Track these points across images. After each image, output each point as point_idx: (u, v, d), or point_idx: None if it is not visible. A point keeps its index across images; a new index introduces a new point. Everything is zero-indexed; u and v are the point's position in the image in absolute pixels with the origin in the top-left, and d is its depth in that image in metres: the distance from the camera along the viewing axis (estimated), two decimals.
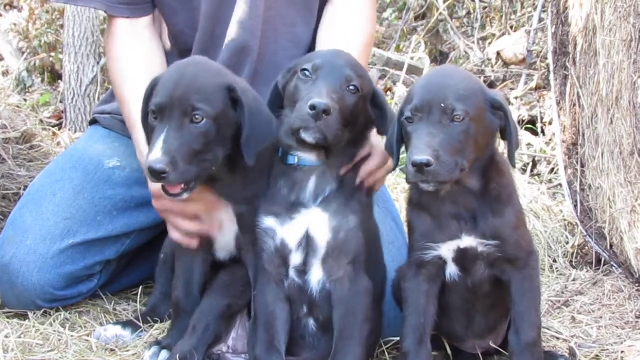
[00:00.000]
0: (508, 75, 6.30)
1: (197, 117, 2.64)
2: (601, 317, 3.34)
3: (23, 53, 6.67)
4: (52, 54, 6.66)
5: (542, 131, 5.50)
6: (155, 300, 3.27)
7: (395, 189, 4.51)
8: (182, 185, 2.68)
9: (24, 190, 3.59)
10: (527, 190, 4.46)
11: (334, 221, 2.71)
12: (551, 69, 4.02)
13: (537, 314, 2.71)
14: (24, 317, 3.18)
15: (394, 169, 2.84)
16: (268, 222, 2.75)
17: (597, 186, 3.77)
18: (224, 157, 2.73)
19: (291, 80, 2.75)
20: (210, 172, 2.73)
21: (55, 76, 6.69)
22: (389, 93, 6.19)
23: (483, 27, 6.95)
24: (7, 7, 7.62)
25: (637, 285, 3.56)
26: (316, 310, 2.79)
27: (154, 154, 2.58)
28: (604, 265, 3.78)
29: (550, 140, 5.30)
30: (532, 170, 5.16)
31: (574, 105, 3.89)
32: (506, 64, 6.32)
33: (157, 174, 2.58)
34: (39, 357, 2.88)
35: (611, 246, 3.73)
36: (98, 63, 5.79)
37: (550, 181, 4.98)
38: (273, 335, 2.75)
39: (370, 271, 2.78)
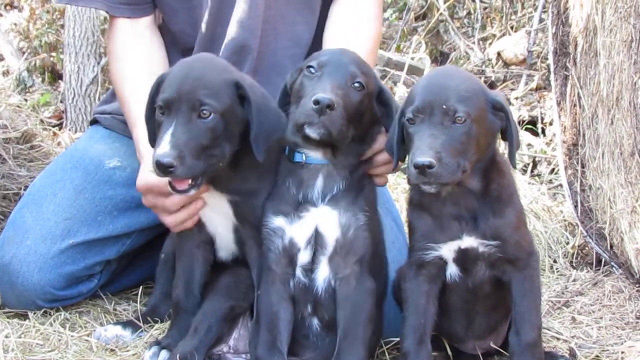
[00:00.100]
0: (508, 76, 6.30)
1: (204, 112, 2.64)
2: (601, 318, 3.34)
3: (23, 53, 6.67)
4: (53, 53, 6.66)
5: (543, 131, 5.50)
6: (156, 300, 3.27)
7: (396, 189, 4.51)
8: (190, 181, 2.68)
9: (25, 190, 3.59)
10: (527, 191, 4.46)
11: (343, 218, 2.73)
12: (551, 69, 4.02)
13: (538, 315, 2.71)
14: (24, 317, 3.18)
15: (394, 170, 2.84)
16: (277, 221, 2.76)
17: (597, 187, 3.77)
18: (231, 154, 2.73)
19: (298, 77, 2.76)
20: (217, 168, 2.72)
21: (56, 76, 6.69)
22: None
23: (483, 27, 6.95)
24: (8, 7, 7.62)
25: (637, 285, 3.56)
26: (320, 309, 2.79)
27: (162, 148, 2.58)
28: (604, 266, 3.78)
29: (551, 140, 5.30)
30: (532, 171, 5.16)
31: (575, 105, 3.89)
32: (506, 65, 6.31)
33: (164, 168, 2.58)
34: (39, 357, 2.88)
35: (611, 247, 3.73)
36: (98, 63, 5.79)
37: (550, 181, 4.98)
38: (275, 336, 2.75)
39: (373, 271, 2.78)
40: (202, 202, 2.90)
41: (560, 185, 4.45)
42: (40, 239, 3.19)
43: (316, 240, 2.74)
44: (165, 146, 2.58)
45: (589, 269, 3.85)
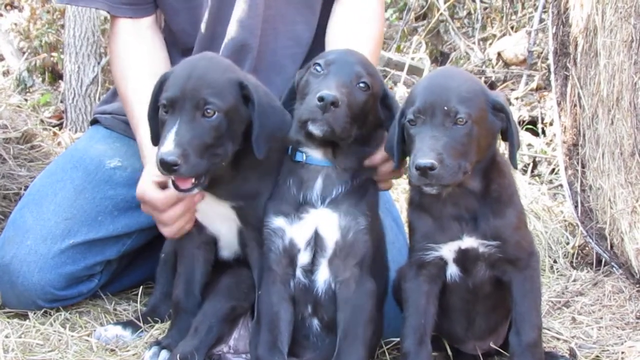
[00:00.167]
0: (509, 76, 6.29)
1: (208, 110, 2.64)
2: (601, 318, 3.34)
3: (24, 53, 6.67)
4: (54, 53, 6.66)
5: (543, 132, 5.50)
6: (156, 301, 3.27)
7: (396, 189, 4.51)
8: (193, 180, 2.68)
9: (25, 190, 3.59)
10: (527, 191, 4.46)
11: (343, 221, 2.72)
12: (552, 69, 4.02)
13: (538, 315, 2.71)
14: (24, 317, 3.18)
15: (394, 170, 2.84)
16: (277, 222, 2.76)
17: (597, 187, 3.77)
18: (233, 154, 2.73)
19: (304, 75, 2.77)
20: (220, 167, 2.72)
21: (56, 76, 6.69)
22: None
23: (484, 27, 6.95)
24: (8, 7, 7.62)
25: (637, 286, 3.56)
26: (320, 310, 2.79)
27: (166, 146, 2.58)
28: (604, 266, 3.78)
29: (551, 140, 5.30)
30: (532, 171, 5.16)
31: (575, 105, 3.89)
32: (507, 65, 6.31)
33: (168, 166, 2.58)
34: (39, 357, 2.88)
35: (612, 247, 3.73)
36: (99, 63, 5.79)
37: (550, 182, 4.98)
38: (276, 336, 2.75)
39: (374, 272, 2.78)
40: (198, 197, 2.90)
41: (561, 185, 4.45)
42: (41, 239, 3.19)
43: (316, 242, 2.73)
44: (169, 144, 2.58)
45: (589, 269, 3.85)
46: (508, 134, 2.65)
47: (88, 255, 3.26)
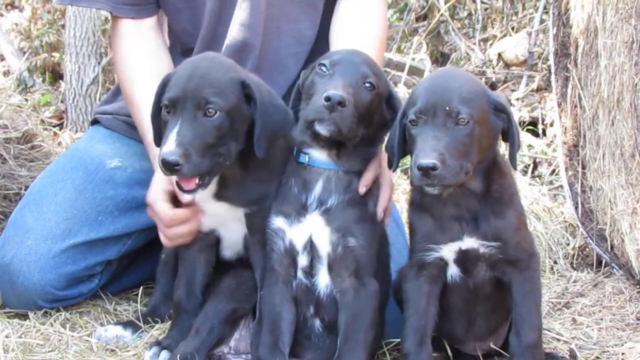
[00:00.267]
0: (509, 77, 6.29)
1: (210, 110, 2.65)
2: (602, 319, 3.34)
3: (24, 53, 6.67)
4: (55, 54, 6.66)
5: (543, 132, 5.50)
6: (156, 301, 3.27)
7: (396, 190, 4.51)
8: (197, 181, 2.68)
9: (25, 190, 3.59)
10: (527, 192, 4.46)
11: (334, 236, 2.71)
12: (552, 70, 4.02)
13: (538, 316, 2.71)
14: (25, 317, 3.18)
15: (394, 171, 2.84)
16: (278, 222, 2.76)
17: (598, 188, 3.77)
18: (237, 153, 2.73)
19: (309, 76, 2.77)
20: (224, 166, 2.73)
21: (56, 76, 6.69)
22: None
23: (484, 28, 6.94)
24: (9, 7, 7.62)
25: (637, 287, 3.56)
26: (322, 310, 2.79)
27: (168, 146, 2.58)
28: (604, 267, 3.78)
29: (551, 141, 5.30)
30: (532, 172, 5.16)
31: (575, 106, 3.89)
32: (507, 65, 6.31)
33: (170, 166, 2.58)
34: (39, 357, 2.88)
35: (612, 248, 3.73)
36: (99, 63, 5.79)
37: (551, 182, 4.98)
38: (278, 336, 2.75)
39: (375, 275, 2.77)
40: (200, 220, 2.94)
41: (561, 186, 4.45)
42: (41, 239, 3.19)
43: (311, 247, 2.73)
44: (171, 144, 2.58)
45: (589, 270, 3.85)
46: (509, 135, 2.65)
47: (88, 256, 3.26)
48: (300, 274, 2.77)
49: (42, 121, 4.65)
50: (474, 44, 6.73)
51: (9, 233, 3.25)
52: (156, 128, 2.80)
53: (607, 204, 3.69)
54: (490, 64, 6.40)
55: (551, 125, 5.37)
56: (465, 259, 2.68)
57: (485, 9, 7.07)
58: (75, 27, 5.72)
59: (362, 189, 2.76)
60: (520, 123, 5.45)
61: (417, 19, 7.33)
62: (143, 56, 3.25)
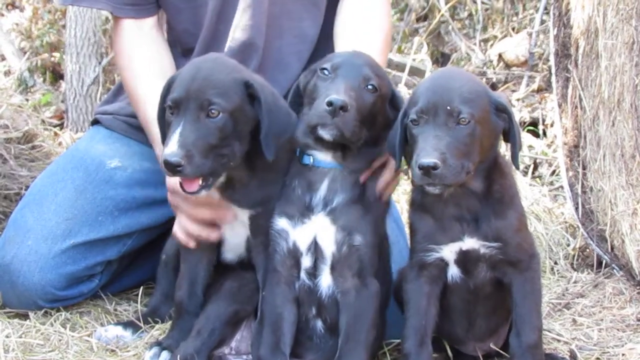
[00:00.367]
0: (510, 77, 6.29)
1: (213, 111, 2.64)
2: (602, 320, 3.34)
3: (25, 53, 6.67)
4: (55, 54, 6.66)
5: (544, 133, 5.50)
6: (156, 301, 3.27)
7: (396, 190, 4.51)
8: (200, 182, 2.68)
9: (26, 190, 3.59)
10: (528, 192, 4.46)
11: (339, 235, 2.72)
12: (553, 71, 4.02)
13: (538, 316, 2.71)
14: (25, 317, 3.18)
15: (395, 170, 2.84)
16: (281, 223, 2.76)
17: (598, 188, 3.77)
18: (241, 154, 2.73)
19: (311, 79, 2.77)
20: (228, 168, 2.72)
21: (57, 76, 6.69)
22: None
23: (485, 28, 6.94)
24: (10, 7, 7.62)
25: (638, 287, 3.56)
26: (324, 311, 2.79)
27: (170, 147, 2.58)
28: (604, 268, 3.78)
29: (552, 142, 5.30)
30: (533, 172, 5.16)
31: (576, 107, 3.89)
32: (508, 66, 6.31)
33: (172, 167, 2.58)
34: (39, 357, 2.88)
35: (612, 248, 3.73)
36: (100, 63, 5.79)
37: (551, 183, 4.98)
38: (279, 337, 2.74)
39: (377, 276, 2.77)
40: (219, 233, 2.92)
41: (561, 187, 4.45)
42: (42, 239, 3.19)
43: (316, 249, 2.73)
44: (173, 145, 2.58)
45: (589, 270, 3.85)
46: (510, 135, 2.65)
47: (89, 256, 3.26)
48: (303, 274, 2.77)
49: (43, 121, 4.65)
50: (475, 44, 6.73)
51: (10, 233, 3.25)
52: (162, 129, 2.80)
53: (607, 204, 3.69)
54: (491, 64, 6.40)
55: (552, 125, 5.37)
56: (465, 259, 2.68)
57: (486, 10, 7.06)
58: (76, 27, 5.72)
59: (363, 179, 2.76)
60: (520, 124, 5.44)
61: (418, 20, 7.33)
62: (145, 53, 3.25)
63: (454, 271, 2.71)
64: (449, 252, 2.67)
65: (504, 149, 3.05)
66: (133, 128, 3.39)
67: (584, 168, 3.88)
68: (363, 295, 2.72)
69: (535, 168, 5.21)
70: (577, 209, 3.90)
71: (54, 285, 3.19)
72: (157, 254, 3.33)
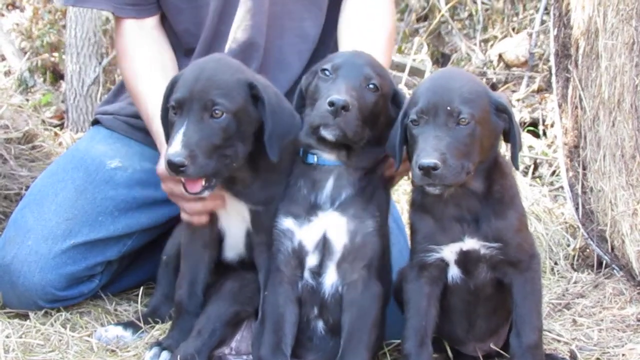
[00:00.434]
0: (510, 77, 6.29)
1: (216, 111, 2.65)
2: (602, 320, 3.34)
3: (25, 53, 6.67)
4: (56, 54, 6.66)
5: (544, 133, 5.50)
6: (156, 302, 3.27)
7: (396, 190, 4.51)
8: (203, 183, 2.68)
9: (26, 190, 3.60)
10: (528, 193, 4.46)
11: (351, 224, 2.72)
12: (553, 71, 4.02)
13: (539, 317, 2.71)
14: (25, 317, 3.18)
15: (395, 170, 2.84)
16: (286, 223, 2.76)
17: (598, 189, 3.77)
18: (244, 155, 2.73)
19: (312, 80, 2.77)
20: (231, 168, 2.72)
21: (57, 76, 6.69)
22: None
23: (485, 29, 6.94)
24: (10, 7, 7.62)
25: (638, 288, 3.56)
26: (326, 312, 2.79)
27: (173, 147, 2.59)
28: (605, 268, 3.78)
29: (552, 142, 5.30)
30: (533, 173, 5.16)
31: (576, 107, 3.89)
32: (508, 66, 6.31)
33: (175, 167, 2.58)
34: (39, 357, 2.88)
35: (612, 249, 3.73)
36: (100, 63, 5.79)
37: (551, 183, 4.98)
38: (280, 337, 2.74)
39: (379, 276, 2.77)
40: (220, 201, 2.89)
41: (562, 187, 4.45)
42: (42, 239, 3.19)
43: (324, 245, 2.73)
44: (176, 145, 2.58)
45: (589, 271, 3.85)
46: (510, 135, 2.65)
47: (89, 256, 3.26)
48: (307, 274, 2.77)
49: (43, 121, 4.65)
50: (475, 44, 6.73)
51: (10, 233, 3.25)
52: (166, 129, 2.80)
53: (607, 205, 3.69)
54: (491, 64, 6.39)
55: (552, 126, 5.37)
56: (466, 260, 2.68)
57: (486, 10, 7.06)
58: (76, 28, 5.72)
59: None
60: (520, 124, 5.44)
61: (418, 20, 7.34)
62: (146, 53, 3.26)
63: (454, 272, 2.71)
64: (449, 252, 2.67)
65: (504, 149, 3.05)
66: (133, 128, 3.40)
67: (584, 168, 3.88)
68: (368, 290, 2.72)
69: (536, 168, 5.21)
70: (577, 209, 3.90)
71: (54, 285, 3.20)
72: (157, 254, 3.34)
